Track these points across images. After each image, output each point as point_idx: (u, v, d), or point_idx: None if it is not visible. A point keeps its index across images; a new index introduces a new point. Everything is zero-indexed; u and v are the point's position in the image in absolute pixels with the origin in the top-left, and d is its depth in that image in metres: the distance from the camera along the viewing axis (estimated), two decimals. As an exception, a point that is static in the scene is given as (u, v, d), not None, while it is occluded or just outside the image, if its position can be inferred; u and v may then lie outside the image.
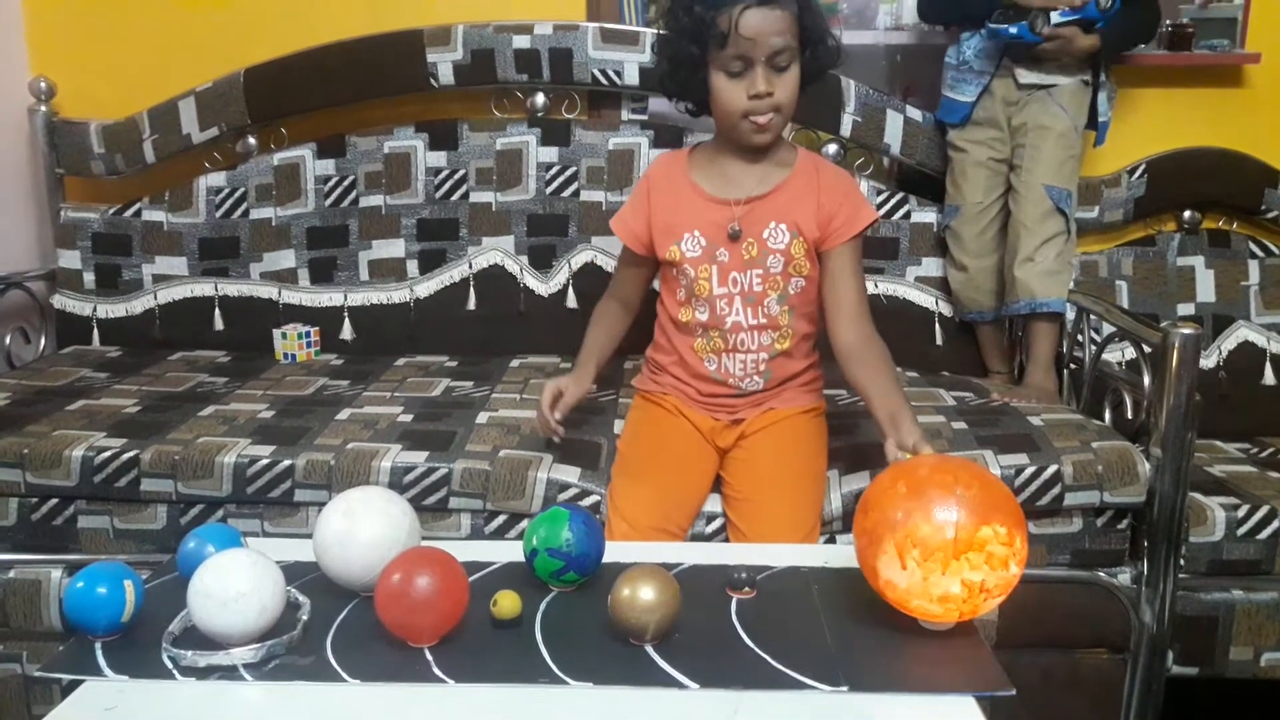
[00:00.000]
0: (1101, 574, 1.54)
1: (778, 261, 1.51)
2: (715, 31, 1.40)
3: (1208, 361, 2.10)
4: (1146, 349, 1.57)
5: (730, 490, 1.53)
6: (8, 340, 2.21)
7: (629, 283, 1.66)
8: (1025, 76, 1.94)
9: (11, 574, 1.55)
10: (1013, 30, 1.87)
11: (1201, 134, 2.22)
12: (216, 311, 2.23)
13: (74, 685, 0.94)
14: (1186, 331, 1.46)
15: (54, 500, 1.59)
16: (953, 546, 0.96)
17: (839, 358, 1.50)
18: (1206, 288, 2.19)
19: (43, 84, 2.25)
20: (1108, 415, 1.72)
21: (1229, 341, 2.13)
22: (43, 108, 2.26)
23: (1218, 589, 1.57)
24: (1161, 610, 1.51)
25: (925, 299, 2.16)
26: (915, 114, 2.15)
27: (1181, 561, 1.53)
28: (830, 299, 1.52)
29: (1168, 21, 2.16)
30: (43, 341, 2.30)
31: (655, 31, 2.15)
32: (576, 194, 2.20)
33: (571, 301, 2.18)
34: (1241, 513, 1.56)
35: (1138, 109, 2.21)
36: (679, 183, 1.55)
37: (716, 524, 1.54)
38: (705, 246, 1.51)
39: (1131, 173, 2.21)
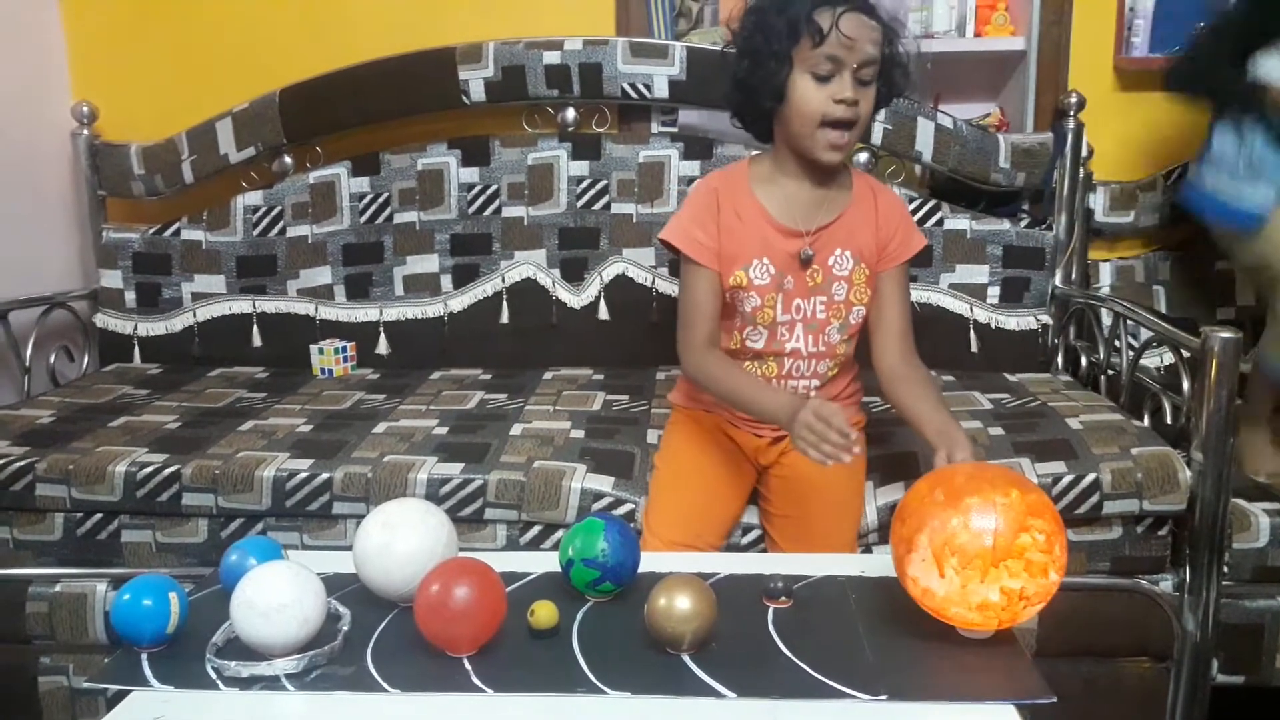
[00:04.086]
0: (1143, 581, 1.52)
1: (842, 289, 1.48)
2: (814, 28, 1.32)
3: (1248, 366, 2.06)
4: (1186, 354, 1.55)
5: (769, 506, 1.53)
6: (52, 359, 2.25)
7: (710, 308, 1.47)
8: None
9: (58, 588, 1.58)
10: None
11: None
12: (254, 328, 2.26)
13: (119, 696, 0.96)
14: (1226, 335, 1.44)
15: (98, 515, 1.61)
16: (991, 554, 0.96)
17: (882, 380, 1.48)
18: (1246, 291, 2.16)
19: (85, 108, 2.30)
20: (1146, 421, 1.70)
21: (1270, 345, 2.09)
22: (85, 131, 2.31)
23: (1263, 596, 1.55)
24: (1205, 618, 1.49)
25: (960, 305, 2.15)
26: (946, 121, 2.14)
27: (1225, 569, 1.51)
28: (876, 321, 1.51)
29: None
30: (85, 360, 2.34)
31: (684, 45, 2.17)
32: (607, 207, 2.21)
33: (603, 314, 2.19)
34: (1286, 519, 1.54)
35: (1170, 111, 2.19)
36: (743, 203, 1.46)
37: (753, 535, 1.53)
38: (774, 274, 1.46)
39: (1167, 176, 2.19)
